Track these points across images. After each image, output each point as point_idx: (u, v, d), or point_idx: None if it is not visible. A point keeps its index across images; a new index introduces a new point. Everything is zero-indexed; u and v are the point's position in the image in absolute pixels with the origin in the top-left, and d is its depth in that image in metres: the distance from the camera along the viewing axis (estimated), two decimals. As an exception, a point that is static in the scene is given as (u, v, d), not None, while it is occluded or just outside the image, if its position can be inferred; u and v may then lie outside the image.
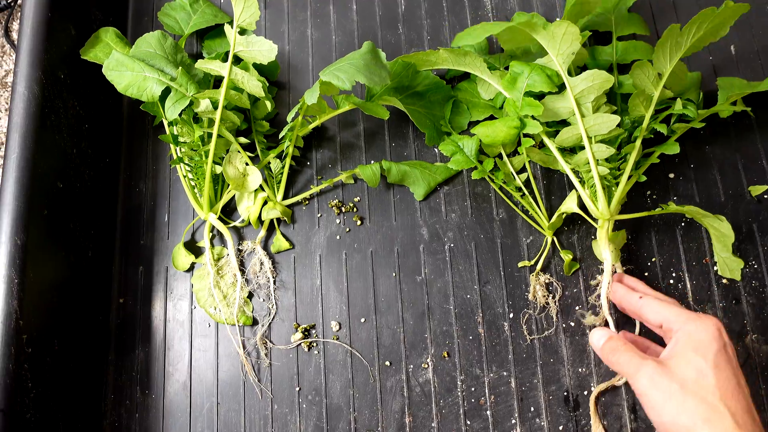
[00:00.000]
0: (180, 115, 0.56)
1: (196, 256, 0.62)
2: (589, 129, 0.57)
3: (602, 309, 0.58)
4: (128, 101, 0.69)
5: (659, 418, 0.44)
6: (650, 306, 0.50)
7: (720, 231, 0.59)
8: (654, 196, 0.63)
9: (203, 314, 0.61)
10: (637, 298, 0.52)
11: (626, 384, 0.57)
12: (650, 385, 0.44)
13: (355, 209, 0.64)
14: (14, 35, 0.74)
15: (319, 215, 0.64)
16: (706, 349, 0.44)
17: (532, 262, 0.61)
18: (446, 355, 0.59)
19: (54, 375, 0.53)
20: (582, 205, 0.60)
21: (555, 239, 0.61)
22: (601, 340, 0.51)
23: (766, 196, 0.63)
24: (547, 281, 0.60)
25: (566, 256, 0.60)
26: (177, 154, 0.60)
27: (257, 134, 0.64)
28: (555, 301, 0.60)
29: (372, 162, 0.65)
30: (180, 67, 0.57)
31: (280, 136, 0.62)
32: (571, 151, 0.61)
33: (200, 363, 0.60)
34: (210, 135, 0.59)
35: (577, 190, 0.59)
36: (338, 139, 0.67)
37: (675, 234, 0.62)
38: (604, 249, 0.59)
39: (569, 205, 0.60)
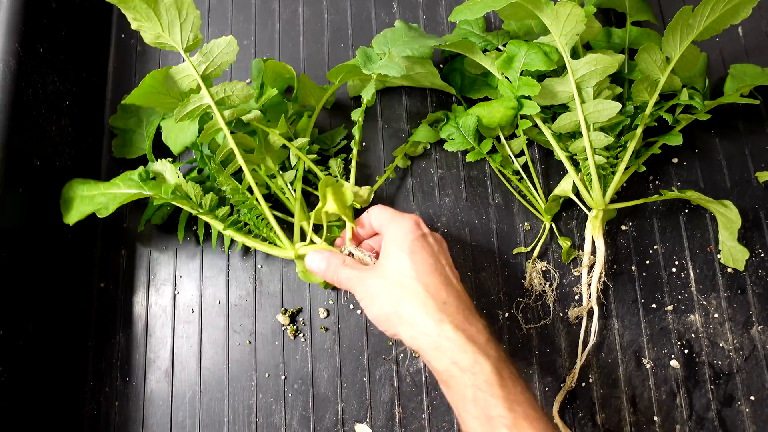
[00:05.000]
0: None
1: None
2: (588, 116, 0.55)
3: (591, 299, 0.55)
4: (113, 80, 0.66)
5: (372, 314, 0.47)
6: (371, 217, 0.52)
7: (726, 216, 0.56)
8: (657, 182, 0.61)
9: (186, 300, 0.59)
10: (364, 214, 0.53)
11: (614, 378, 0.55)
12: (364, 290, 0.47)
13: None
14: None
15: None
16: (403, 242, 0.47)
17: (529, 249, 0.59)
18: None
19: (28, 360, 0.51)
20: (577, 191, 0.58)
21: (553, 225, 0.59)
22: (322, 263, 0.51)
23: (773, 183, 0.60)
24: (544, 269, 0.58)
25: (564, 243, 0.58)
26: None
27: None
28: (552, 290, 0.58)
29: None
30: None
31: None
32: (570, 135, 0.58)
33: (183, 350, 0.58)
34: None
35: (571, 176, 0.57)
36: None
37: (678, 221, 0.60)
38: (597, 238, 0.56)
39: (563, 187, 0.58)
